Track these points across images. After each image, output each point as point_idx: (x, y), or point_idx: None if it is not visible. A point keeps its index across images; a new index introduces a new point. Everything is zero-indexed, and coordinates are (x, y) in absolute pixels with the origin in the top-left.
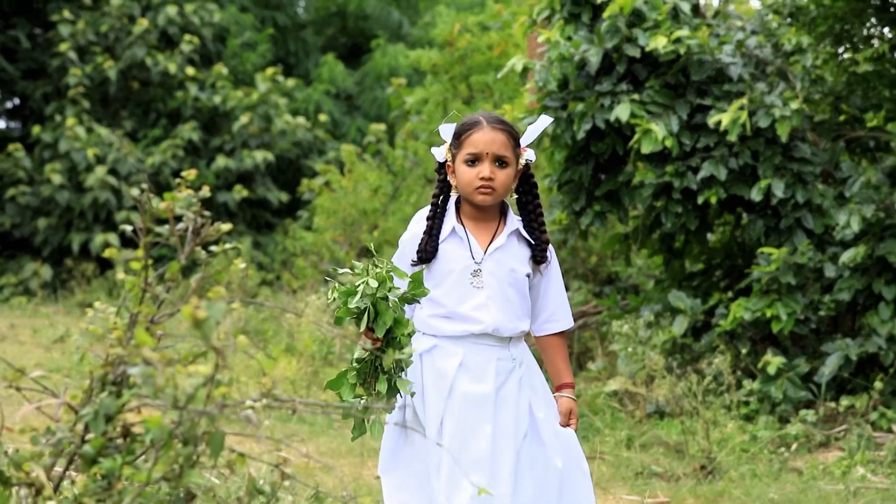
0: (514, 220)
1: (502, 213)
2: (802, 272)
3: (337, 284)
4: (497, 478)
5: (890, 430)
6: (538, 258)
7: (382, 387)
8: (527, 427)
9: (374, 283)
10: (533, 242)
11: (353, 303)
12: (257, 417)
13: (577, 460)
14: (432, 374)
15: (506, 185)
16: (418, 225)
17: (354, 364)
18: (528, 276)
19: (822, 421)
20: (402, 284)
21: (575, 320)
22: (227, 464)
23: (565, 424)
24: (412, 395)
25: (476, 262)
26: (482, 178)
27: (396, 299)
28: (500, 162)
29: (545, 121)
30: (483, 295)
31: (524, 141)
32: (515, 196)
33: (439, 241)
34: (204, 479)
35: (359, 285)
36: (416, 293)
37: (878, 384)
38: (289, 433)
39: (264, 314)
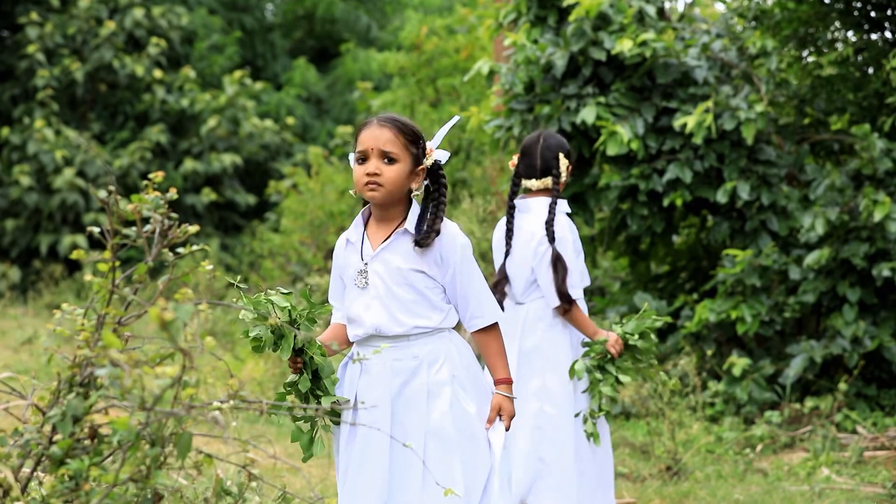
0: (412, 219)
1: (407, 212)
2: (767, 274)
3: (242, 315)
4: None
5: (854, 432)
6: (420, 243)
7: (325, 401)
8: (450, 427)
9: (279, 312)
10: (415, 234)
11: (253, 332)
12: (224, 419)
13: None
14: (346, 381)
15: (395, 182)
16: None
17: (286, 388)
18: (422, 272)
19: (787, 422)
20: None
21: None
22: (195, 465)
23: (492, 421)
24: (348, 407)
25: (363, 263)
26: (367, 174)
27: (303, 321)
28: (388, 158)
29: (453, 120)
30: (368, 295)
31: (433, 142)
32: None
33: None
34: (171, 480)
35: (257, 315)
36: (313, 311)
37: (842, 386)
38: (256, 434)
39: (232, 316)
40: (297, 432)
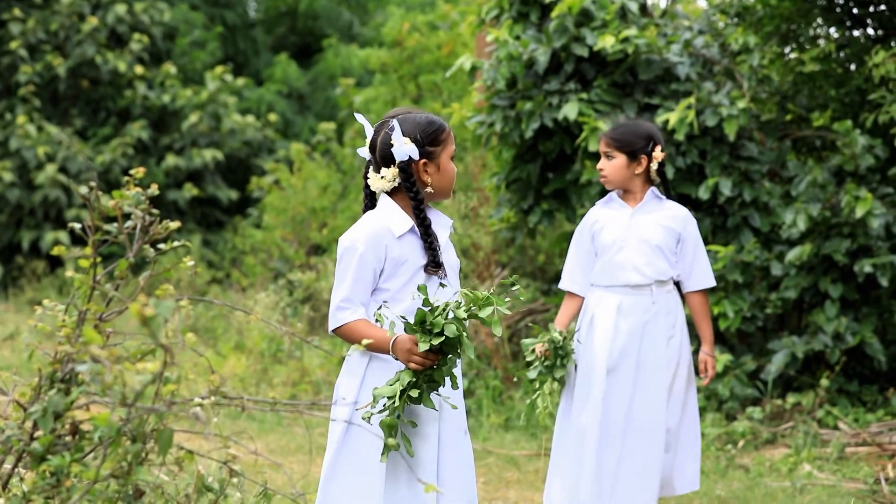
0: (443, 216)
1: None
2: (749, 270)
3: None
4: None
5: (836, 428)
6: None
7: (430, 403)
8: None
9: (462, 312)
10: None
11: (448, 332)
12: (206, 415)
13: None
14: None
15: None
16: (373, 224)
17: (407, 382)
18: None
19: (769, 418)
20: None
21: (522, 318)
22: (176, 461)
23: None
24: (455, 407)
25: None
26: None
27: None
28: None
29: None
30: (450, 291)
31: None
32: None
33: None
34: (152, 477)
35: (439, 313)
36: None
37: (824, 381)
38: (238, 430)
39: (214, 312)
40: (386, 426)
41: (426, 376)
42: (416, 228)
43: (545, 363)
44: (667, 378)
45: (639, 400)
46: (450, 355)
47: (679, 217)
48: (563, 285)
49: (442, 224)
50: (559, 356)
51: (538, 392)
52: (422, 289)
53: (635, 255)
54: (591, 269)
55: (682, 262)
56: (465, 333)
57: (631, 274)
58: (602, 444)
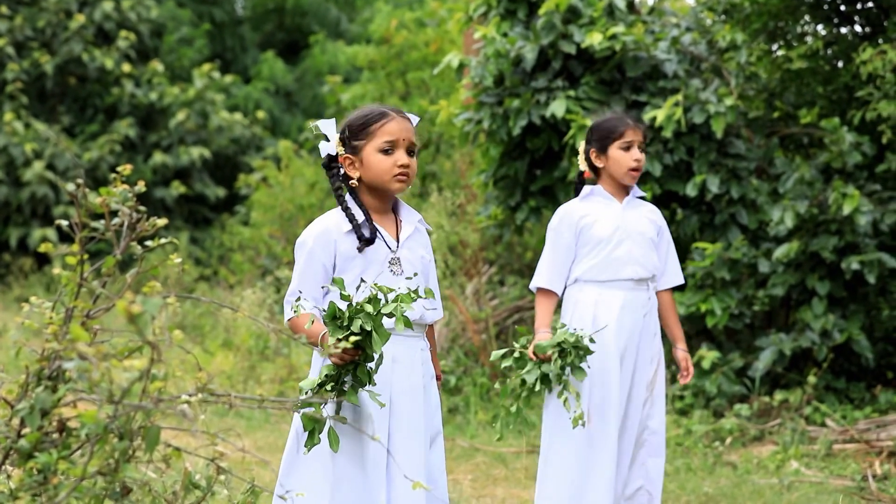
0: (410, 211)
1: (395, 203)
2: (737, 267)
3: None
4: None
5: (823, 425)
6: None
7: (355, 399)
8: (438, 419)
9: (370, 307)
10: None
11: (354, 327)
12: (193, 412)
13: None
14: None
15: (415, 174)
16: (324, 222)
17: (325, 375)
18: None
19: (757, 415)
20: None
21: (510, 315)
22: (163, 458)
23: None
24: (382, 406)
25: (392, 252)
26: (400, 166)
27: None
28: (410, 151)
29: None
30: (404, 284)
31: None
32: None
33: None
34: (140, 474)
35: (350, 309)
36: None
37: (811, 379)
38: (225, 427)
39: (201, 309)
40: (308, 420)
41: (347, 371)
42: (365, 223)
43: (560, 365)
44: (649, 374)
45: (632, 399)
46: (372, 352)
47: (656, 213)
48: (542, 283)
49: (408, 219)
50: (578, 355)
51: (562, 396)
52: (337, 282)
53: (636, 249)
54: (568, 266)
55: (659, 258)
56: (373, 329)
57: (633, 268)
58: (618, 447)
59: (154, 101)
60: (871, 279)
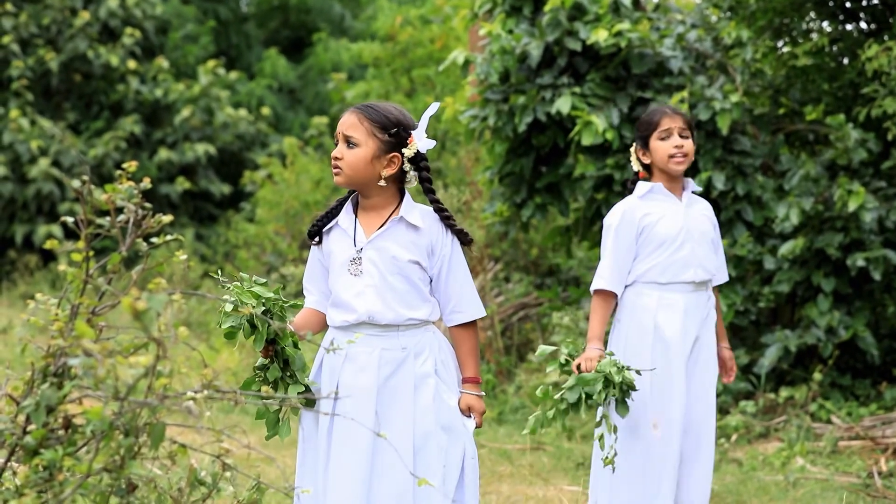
0: (409, 208)
1: (400, 201)
2: (742, 264)
3: (223, 307)
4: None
5: (829, 421)
6: (466, 241)
7: (292, 390)
8: (432, 418)
9: (247, 301)
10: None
11: (226, 323)
12: (198, 408)
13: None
14: (327, 368)
15: (353, 166)
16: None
17: (256, 372)
18: (417, 263)
19: (762, 412)
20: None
21: (515, 312)
22: (169, 455)
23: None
24: (316, 399)
25: (356, 250)
26: (333, 158)
27: (279, 311)
28: (349, 143)
29: (432, 108)
30: (361, 283)
31: (417, 131)
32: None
33: (330, 230)
34: (145, 470)
35: (234, 304)
36: (286, 305)
37: (817, 375)
38: (230, 424)
39: (206, 306)
40: (263, 410)
41: (278, 366)
42: (325, 218)
43: (603, 396)
44: (715, 377)
45: (699, 400)
46: (282, 347)
47: (710, 209)
48: (604, 285)
49: (400, 214)
50: (622, 389)
51: (599, 430)
52: (245, 279)
53: (698, 250)
54: (629, 267)
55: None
56: (268, 327)
57: (695, 270)
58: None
59: (159, 98)
60: (877, 276)
